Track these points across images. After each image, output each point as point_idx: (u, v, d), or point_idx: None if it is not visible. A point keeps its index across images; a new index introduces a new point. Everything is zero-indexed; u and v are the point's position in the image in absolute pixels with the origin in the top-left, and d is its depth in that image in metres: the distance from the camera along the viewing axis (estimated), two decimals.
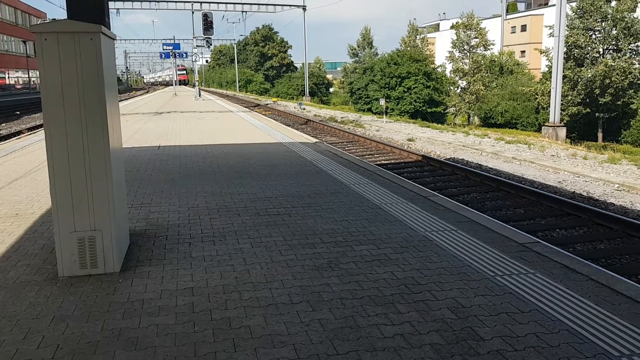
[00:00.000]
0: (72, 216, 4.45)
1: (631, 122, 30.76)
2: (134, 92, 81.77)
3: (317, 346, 3.33)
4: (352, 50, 68.76)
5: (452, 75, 44.86)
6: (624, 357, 3.19)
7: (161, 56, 56.99)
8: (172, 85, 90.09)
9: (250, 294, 4.13)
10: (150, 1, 47.39)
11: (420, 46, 55.18)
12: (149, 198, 7.47)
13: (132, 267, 4.73)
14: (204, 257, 4.99)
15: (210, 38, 36.39)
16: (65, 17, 4.97)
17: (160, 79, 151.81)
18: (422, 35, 58.75)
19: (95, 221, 4.50)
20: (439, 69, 44.18)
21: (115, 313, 3.83)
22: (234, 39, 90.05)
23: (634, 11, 31.46)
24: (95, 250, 4.54)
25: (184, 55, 55.34)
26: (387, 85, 39.95)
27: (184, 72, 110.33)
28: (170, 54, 50.15)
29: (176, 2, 47.83)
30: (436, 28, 79.48)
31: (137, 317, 3.76)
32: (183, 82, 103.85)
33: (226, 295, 4.11)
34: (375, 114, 36.24)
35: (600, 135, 32.30)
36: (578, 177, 12.48)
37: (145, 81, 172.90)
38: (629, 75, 30.66)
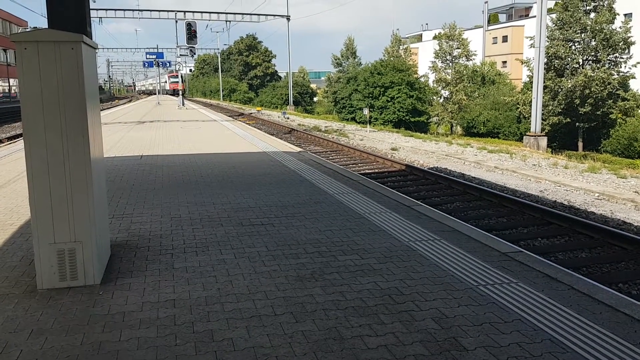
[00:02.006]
0: (51, 227, 4.38)
1: (610, 132, 31.27)
2: (116, 100, 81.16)
3: (300, 358, 3.30)
4: (336, 60, 69.04)
5: (435, 85, 45.32)
6: None
7: (144, 65, 56.80)
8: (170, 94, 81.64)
9: (233, 305, 4.09)
10: (133, 10, 47.23)
11: (403, 56, 55.59)
12: (130, 208, 7.39)
13: (113, 279, 4.66)
14: (186, 268, 4.94)
15: (193, 47, 36.30)
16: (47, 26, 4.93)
17: (151, 87, 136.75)
18: (405, 46, 59.28)
19: (76, 232, 4.44)
20: (422, 79, 44.59)
21: (96, 326, 3.77)
22: (218, 48, 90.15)
23: (613, 23, 32.07)
24: (76, 262, 4.47)
25: (168, 64, 55.13)
26: (370, 95, 40.17)
27: (179, 79, 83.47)
28: (154, 62, 49.94)
29: (159, 11, 47.76)
30: (419, 38, 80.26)
31: (118, 330, 3.70)
32: (177, 92, 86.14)
33: (208, 307, 4.07)
34: (359, 123, 36.40)
35: (580, 144, 32.76)
36: (559, 186, 12.62)
37: (136, 89, 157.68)
38: (607, 86, 31.20)
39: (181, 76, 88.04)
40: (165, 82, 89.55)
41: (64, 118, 4.30)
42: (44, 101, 4.25)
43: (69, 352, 3.40)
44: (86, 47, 4.46)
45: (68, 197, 4.39)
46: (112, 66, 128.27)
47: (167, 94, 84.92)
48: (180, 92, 43.98)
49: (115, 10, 46.82)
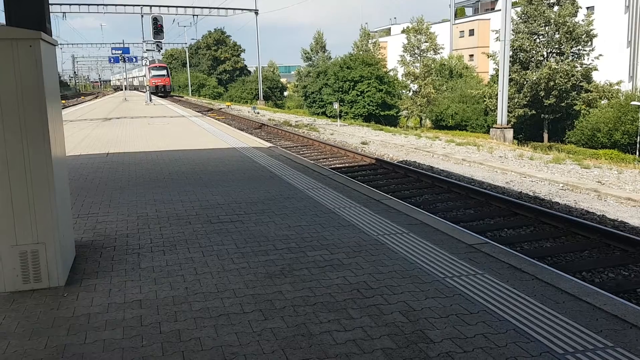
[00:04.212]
0: (13, 229, 4.28)
1: (575, 123, 31.96)
2: (82, 97, 79.42)
3: (268, 356, 3.30)
4: (305, 54, 68.96)
5: (404, 78, 45.62)
6: (568, 354, 3.29)
7: (110, 60, 55.61)
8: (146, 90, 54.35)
9: (201, 304, 4.06)
10: (97, 5, 46.34)
11: (372, 50, 55.86)
12: (96, 207, 7.26)
13: (78, 281, 4.58)
14: (153, 267, 4.88)
15: (160, 42, 35.83)
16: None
17: (135, 82, 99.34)
18: (374, 40, 59.52)
19: (38, 234, 4.34)
20: (391, 73, 44.87)
21: (60, 329, 3.70)
22: (186, 43, 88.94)
23: (575, 16, 32.73)
24: (39, 264, 4.37)
25: (134, 59, 54.10)
26: (340, 89, 40.27)
27: (164, 71, 64.67)
28: (120, 58, 49.01)
29: (125, 5, 46.88)
30: (387, 32, 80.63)
31: (83, 332, 3.64)
32: (162, 89, 61.98)
33: (176, 306, 4.03)
34: (329, 117, 36.45)
35: (545, 135, 33.42)
36: (525, 177, 12.85)
37: (112, 84, 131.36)
38: (571, 78, 31.87)
39: (167, 68, 66.98)
40: (144, 76, 65.50)
41: (23, 117, 4.19)
42: (1, 101, 4.13)
43: (33, 356, 3.33)
44: (45, 44, 4.36)
45: (29, 198, 4.29)
46: (77, 62, 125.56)
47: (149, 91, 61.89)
48: (147, 88, 43.09)
49: (80, 5, 45.78)
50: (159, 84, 61.72)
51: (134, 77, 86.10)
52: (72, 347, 3.44)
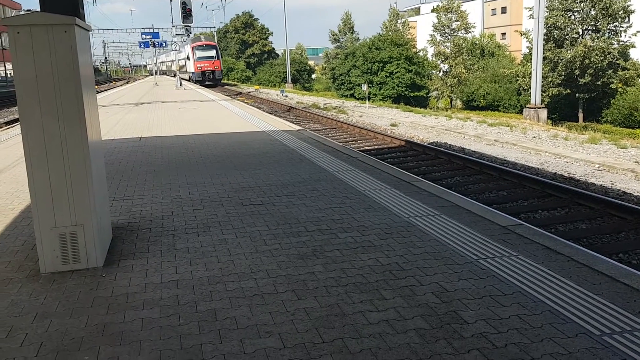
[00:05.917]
0: (52, 212, 4.40)
1: (611, 102, 31.13)
2: (113, 82, 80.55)
3: (302, 335, 3.34)
4: (333, 35, 68.59)
5: (434, 59, 45.02)
6: (605, 335, 3.24)
7: (140, 45, 56.21)
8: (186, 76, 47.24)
9: (236, 284, 4.12)
10: None
11: (401, 30, 55.18)
12: (131, 190, 7.40)
13: (116, 261, 4.69)
14: (188, 248, 4.96)
15: (189, 26, 35.94)
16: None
17: (165, 65, 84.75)
18: (403, 19, 58.75)
19: (76, 216, 4.45)
20: (421, 53, 44.26)
21: (99, 308, 3.80)
22: (214, 27, 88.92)
23: None
24: (77, 245, 4.49)
25: (164, 44, 54.47)
26: (369, 71, 39.92)
27: (213, 52, 50.55)
28: (150, 43, 49.48)
29: None
30: (417, 12, 79.43)
31: (122, 311, 3.73)
32: (210, 76, 49.26)
33: (211, 286, 4.10)
34: (358, 99, 36.23)
35: (581, 115, 32.65)
36: (559, 158, 12.61)
37: (148, 69, 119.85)
38: (607, 56, 31.00)
39: (217, 48, 52.22)
40: (187, 58, 52.02)
41: (59, 102, 4.28)
42: (39, 86, 4.22)
43: (74, 335, 3.44)
44: (79, 30, 4.42)
45: (67, 181, 4.39)
46: (108, 47, 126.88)
47: (192, 80, 49.60)
48: (177, 73, 43.08)
49: None
50: (206, 68, 48.85)
51: (172, 61, 65.21)
52: (111, 326, 3.53)
